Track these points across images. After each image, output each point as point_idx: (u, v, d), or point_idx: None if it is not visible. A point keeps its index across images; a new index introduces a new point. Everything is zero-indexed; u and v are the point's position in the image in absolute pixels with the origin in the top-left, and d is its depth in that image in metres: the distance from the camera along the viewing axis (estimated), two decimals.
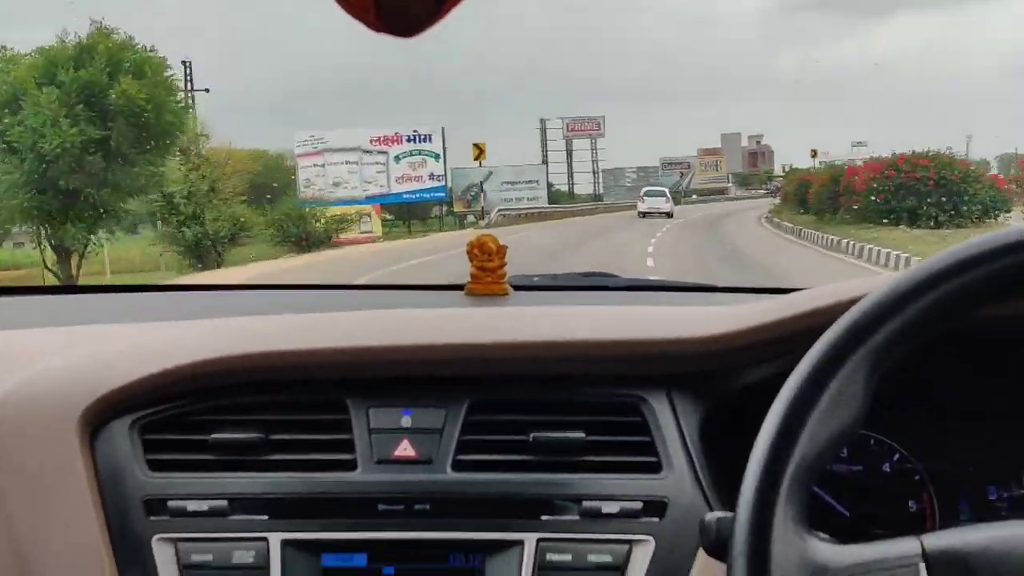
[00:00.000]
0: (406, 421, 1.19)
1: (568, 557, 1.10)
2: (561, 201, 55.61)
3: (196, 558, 1.12)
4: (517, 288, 1.77)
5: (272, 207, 30.16)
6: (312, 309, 1.42)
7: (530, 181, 46.59)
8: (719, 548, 0.84)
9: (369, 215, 35.01)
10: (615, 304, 1.57)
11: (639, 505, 1.13)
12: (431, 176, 38.36)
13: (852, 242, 18.71)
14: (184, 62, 34.22)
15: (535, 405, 1.20)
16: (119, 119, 21.28)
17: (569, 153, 67.50)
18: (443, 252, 18.50)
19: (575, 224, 35.88)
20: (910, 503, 1.25)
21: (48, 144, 20.46)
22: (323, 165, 36.59)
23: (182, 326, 1.39)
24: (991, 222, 21.53)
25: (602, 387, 1.20)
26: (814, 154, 55.45)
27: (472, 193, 42.22)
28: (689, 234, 26.90)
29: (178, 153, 24.76)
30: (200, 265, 24.34)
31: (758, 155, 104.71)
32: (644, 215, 40.54)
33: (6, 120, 21.11)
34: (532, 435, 1.17)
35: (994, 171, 32.58)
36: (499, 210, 39.90)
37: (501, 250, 1.72)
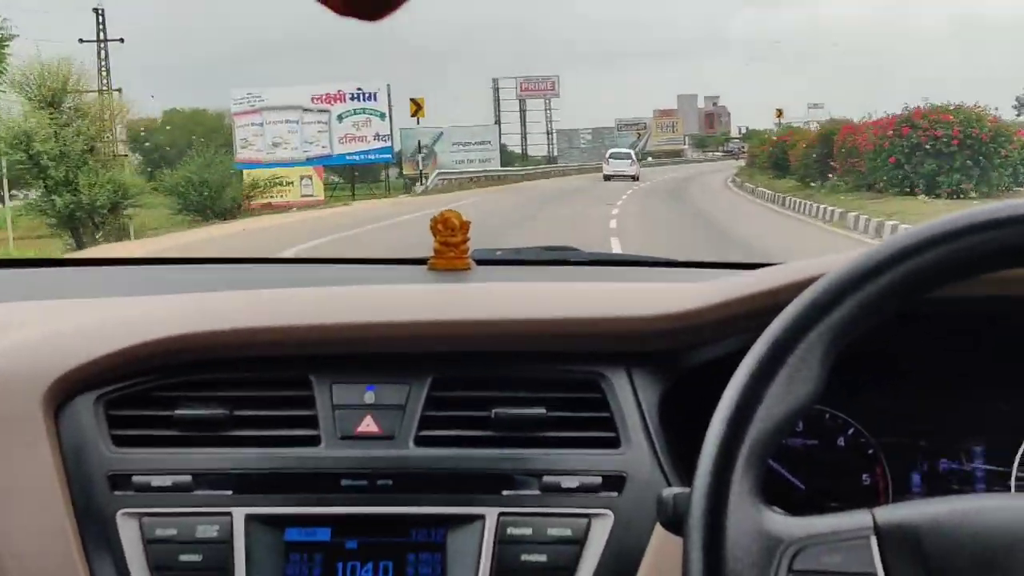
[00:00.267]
0: (369, 397, 1.21)
1: (528, 531, 1.13)
2: (515, 164, 53.87)
3: (160, 532, 1.14)
4: (480, 263, 1.79)
5: (172, 171, 26.27)
6: (271, 284, 1.44)
7: (482, 142, 44.82)
8: (675, 523, 0.86)
9: (311, 177, 33.09)
10: (579, 279, 1.70)
11: (598, 480, 1.16)
12: (376, 136, 35.81)
13: (865, 216, 15.15)
14: (96, 9, 32.23)
15: (497, 381, 1.22)
16: None
17: (523, 113, 67.12)
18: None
19: (525, 190, 34.26)
20: (864, 476, 1.28)
21: None
22: (261, 124, 34.53)
23: (142, 301, 1.41)
24: (1021, 191, 17.96)
25: (563, 364, 1.23)
26: (779, 114, 53.48)
27: (422, 154, 39.61)
28: (656, 205, 23.87)
29: (46, 106, 20.71)
30: (72, 241, 20.25)
31: (715, 116, 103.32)
32: (609, 178, 39.95)
33: None
34: (494, 411, 1.20)
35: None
36: (438, 173, 36.80)
37: (464, 225, 1.75)
